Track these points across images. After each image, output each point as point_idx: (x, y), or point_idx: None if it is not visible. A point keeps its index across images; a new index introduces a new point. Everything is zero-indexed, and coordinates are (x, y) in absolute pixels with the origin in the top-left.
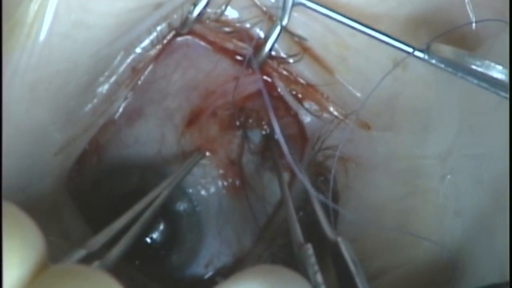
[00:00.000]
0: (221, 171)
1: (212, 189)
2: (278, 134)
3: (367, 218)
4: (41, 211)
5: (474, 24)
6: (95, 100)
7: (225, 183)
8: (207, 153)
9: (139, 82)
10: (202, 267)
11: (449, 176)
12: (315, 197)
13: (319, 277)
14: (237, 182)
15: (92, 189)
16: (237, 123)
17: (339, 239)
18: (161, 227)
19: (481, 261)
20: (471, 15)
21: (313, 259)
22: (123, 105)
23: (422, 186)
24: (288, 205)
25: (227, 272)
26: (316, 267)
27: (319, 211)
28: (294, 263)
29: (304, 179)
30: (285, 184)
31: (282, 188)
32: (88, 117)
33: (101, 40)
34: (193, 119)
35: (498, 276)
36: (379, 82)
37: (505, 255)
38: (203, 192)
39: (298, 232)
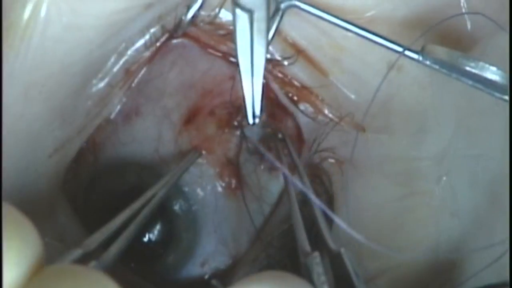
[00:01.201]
0: (217, 170)
1: (209, 188)
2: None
3: (360, 232)
4: (37, 212)
5: (468, 26)
6: (89, 102)
7: (222, 183)
8: (203, 152)
9: (133, 84)
10: (198, 266)
11: (445, 178)
12: (317, 205)
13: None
14: (234, 182)
15: (88, 189)
16: (235, 122)
17: (342, 251)
18: (158, 225)
19: (478, 261)
20: (466, 18)
21: (320, 269)
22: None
23: (418, 188)
24: (295, 211)
25: (223, 272)
26: (324, 278)
27: (321, 219)
28: (292, 264)
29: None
30: (292, 191)
31: (289, 192)
32: (83, 119)
33: (93, 41)
34: (190, 118)
35: (495, 276)
36: (378, 86)
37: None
38: (199, 191)
39: (304, 240)
